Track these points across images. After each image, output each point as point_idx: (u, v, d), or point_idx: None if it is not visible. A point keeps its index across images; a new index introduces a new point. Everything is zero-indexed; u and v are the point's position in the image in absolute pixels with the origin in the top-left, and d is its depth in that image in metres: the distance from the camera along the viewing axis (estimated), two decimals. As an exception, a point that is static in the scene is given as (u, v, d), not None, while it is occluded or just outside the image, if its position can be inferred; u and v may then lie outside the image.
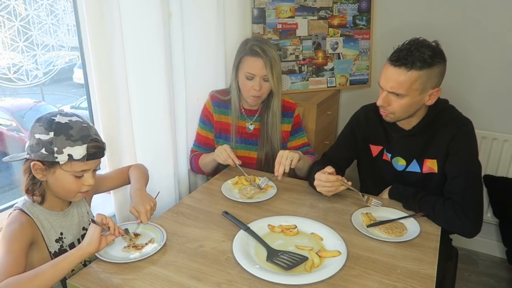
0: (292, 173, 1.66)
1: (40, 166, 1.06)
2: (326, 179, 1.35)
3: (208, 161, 1.68)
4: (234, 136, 1.77)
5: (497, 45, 2.13)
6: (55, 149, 1.03)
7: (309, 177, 1.55)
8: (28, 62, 1.41)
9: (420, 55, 1.24)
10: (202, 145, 1.82)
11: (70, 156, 1.05)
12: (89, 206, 1.29)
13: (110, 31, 1.35)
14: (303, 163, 1.63)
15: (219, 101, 1.78)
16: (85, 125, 1.09)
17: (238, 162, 1.57)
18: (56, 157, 1.04)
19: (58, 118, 1.06)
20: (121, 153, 1.51)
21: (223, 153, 1.58)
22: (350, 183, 1.37)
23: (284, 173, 1.52)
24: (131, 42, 1.42)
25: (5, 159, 1.11)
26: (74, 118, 1.08)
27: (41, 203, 1.12)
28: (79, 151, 1.05)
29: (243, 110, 1.80)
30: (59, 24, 1.48)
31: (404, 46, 1.27)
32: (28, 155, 1.07)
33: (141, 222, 1.21)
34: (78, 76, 1.70)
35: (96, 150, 1.09)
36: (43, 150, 1.03)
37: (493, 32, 2.12)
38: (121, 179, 1.40)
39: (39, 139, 1.04)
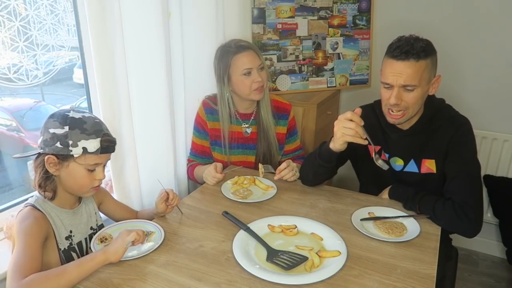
0: None
1: (54, 160, 1.08)
2: (350, 114, 1.25)
3: (201, 175, 1.63)
4: (228, 142, 1.74)
5: (498, 45, 2.13)
6: (70, 142, 1.06)
7: (300, 172, 1.56)
8: (28, 62, 1.41)
9: (421, 45, 1.26)
10: (199, 154, 1.80)
11: (84, 149, 1.07)
12: (97, 207, 1.30)
13: (111, 31, 1.35)
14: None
15: (212, 108, 1.75)
16: (98, 120, 1.14)
17: (220, 176, 1.55)
18: (71, 150, 1.06)
19: (72, 114, 1.09)
20: (123, 153, 1.51)
21: (210, 179, 1.55)
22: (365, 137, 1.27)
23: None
24: (131, 42, 1.42)
25: (16, 156, 1.13)
26: (86, 114, 1.12)
27: (52, 198, 1.13)
28: (93, 144, 1.08)
29: (237, 115, 1.77)
30: (59, 24, 1.48)
31: (402, 42, 1.28)
32: (41, 150, 1.08)
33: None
34: (78, 76, 1.70)
35: (109, 144, 1.13)
36: (58, 144, 1.06)
37: (493, 32, 2.12)
38: (126, 211, 1.39)
39: (53, 133, 1.06)
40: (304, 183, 1.54)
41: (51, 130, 1.07)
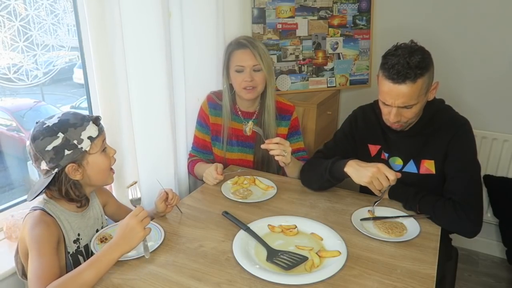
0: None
1: (75, 166, 1.08)
2: (395, 177, 1.27)
3: (202, 174, 1.63)
4: (226, 138, 1.75)
5: (497, 45, 2.13)
6: (75, 141, 1.06)
7: (301, 175, 1.56)
8: (28, 62, 1.41)
9: (416, 62, 1.23)
10: (200, 148, 1.80)
11: (90, 137, 1.09)
12: (103, 209, 1.30)
13: (111, 31, 1.35)
14: (293, 167, 1.59)
15: (216, 103, 1.76)
16: (72, 111, 1.14)
17: (221, 178, 1.55)
18: (82, 148, 1.07)
19: (49, 122, 1.06)
20: (122, 153, 1.51)
21: (210, 180, 1.56)
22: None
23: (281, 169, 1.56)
24: (131, 42, 1.42)
25: (30, 199, 1.10)
26: (59, 114, 1.10)
27: (85, 205, 1.16)
28: (92, 128, 1.10)
29: (240, 112, 1.78)
30: (59, 24, 1.48)
31: (396, 60, 1.24)
32: (56, 169, 1.06)
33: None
34: (78, 76, 1.70)
35: (99, 121, 1.15)
36: (66, 152, 1.05)
37: (492, 32, 2.12)
38: (127, 212, 1.38)
39: (53, 147, 1.04)
40: (305, 186, 1.54)
41: (48, 148, 1.04)
